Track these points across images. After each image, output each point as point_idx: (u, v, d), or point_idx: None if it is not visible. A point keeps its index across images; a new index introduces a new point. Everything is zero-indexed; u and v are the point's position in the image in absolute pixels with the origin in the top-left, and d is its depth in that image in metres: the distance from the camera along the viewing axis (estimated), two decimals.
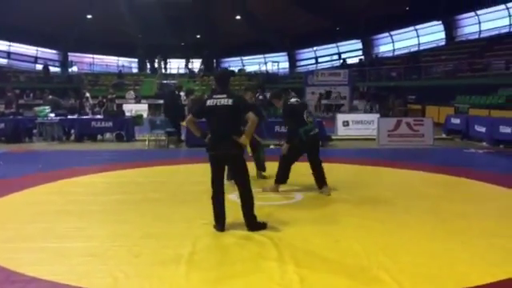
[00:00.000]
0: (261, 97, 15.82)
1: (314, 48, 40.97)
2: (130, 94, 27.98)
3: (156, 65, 37.18)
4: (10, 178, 8.01)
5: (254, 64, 40.46)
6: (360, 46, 38.68)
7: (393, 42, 36.67)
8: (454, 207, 6.09)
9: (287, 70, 41.33)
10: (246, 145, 5.07)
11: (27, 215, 5.63)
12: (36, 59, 37.70)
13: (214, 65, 40.90)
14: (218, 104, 4.90)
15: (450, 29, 32.37)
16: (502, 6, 28.62)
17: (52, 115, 14.12)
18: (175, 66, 37.86)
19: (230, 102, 4.88)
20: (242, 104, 5.02)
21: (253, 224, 4.93)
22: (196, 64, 40.06)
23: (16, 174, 8.29)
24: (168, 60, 35.80)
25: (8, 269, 3.89)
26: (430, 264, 4.07)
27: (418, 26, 34.16)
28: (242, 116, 4.97)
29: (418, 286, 3.61)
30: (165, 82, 31.49)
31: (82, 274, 3.80)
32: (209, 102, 4.98)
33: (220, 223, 4.97)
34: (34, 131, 14.10)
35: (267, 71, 37.28)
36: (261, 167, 7.81)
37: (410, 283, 3.63)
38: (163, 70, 35.36)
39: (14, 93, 20.24)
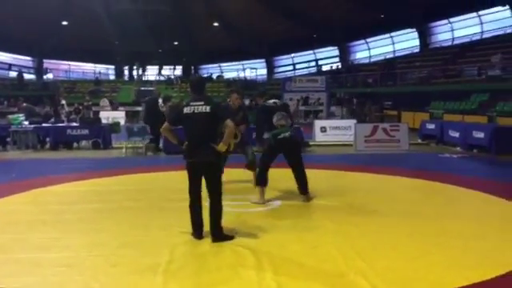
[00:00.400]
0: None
1: (292, 55, 41.32)
2: (104, 102, 27.63)
3: (134, 72, 36.91)
4: None
5: (232, 71, 40.55)
6: (337, 52, 39.16)
7: (369, 49, 37.26)
8: (430, 211, 6.20)
9: (265, 76, 41.54)
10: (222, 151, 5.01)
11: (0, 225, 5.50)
12: (10, 66, 36.98)
13: (193, 71, 40.81)
14: (196, 111, 4.85)
15: (424, 36, 33.05)
16: (474, 14, 29.41)
17: (26, 123, 13.86)
18: (153, 72, 37.67)
19: (208, 109, 4.84)
20: (219, 111, 4.99)
21: (217, 234, 4.86)
22: (174, 71, 39.93)
23: None
24: (146, 67, 35.52)
25: None
26: (406, 268, 4.13)
27: (393, 34, 34.83)
28: (219, 123, 4.94)
29: None
30: (142, 88, 31.25)
31: (56, 285, 3.73)
32: (186, 110, 4.92)
33: (197, 231, 4.93)
34: (8, 139, 13.78)
35: (245, 78, 37.39)
36: (250, 167, 7.55)
37: (387, 287, 3.67)
38: (141, 77, 35.10)
39: None
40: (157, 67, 36.93)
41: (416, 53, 32.71)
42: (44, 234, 5.16)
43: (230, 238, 4.89)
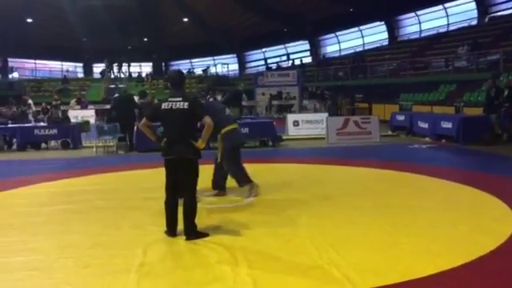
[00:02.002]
0: (211, 99, 15.75)
1: (263, 49, 41.34)
2: (73, 103, 26.89)
3: (102, 69, 36.25)
4: None
5: (203, 66, 40.30)
6: (308, 46, 39.37)
7: (339, 43, 37.61)
8: (400, 201, 6.31)
9: (237, 71, 41.44)
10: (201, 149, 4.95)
11: None
12: None
13: (163, 68, 40.39)
14: (174, 107, 4.79)
15: (393, 29, 33.56)
16: (440, 7, 30.04)
17: None
18: (123, 70, 37.06)
19: (186, 105, 4.79)
20: (197, 108, 4.92)
21: (191, 232, 4.80)
22: (145, 68, 39.41)
23: None
24: (114, 64, 34.87)
25: None
26: (378, 258, 4.19)
27: (362, 27, 35.24)
28: (197, 120, 4.93)
29: (367, 280, 3.69)
30: (112, 86, 30.72)
31: None
32: (164, 105, 4.86)
33: (172, 229, 4.89)
34: None
35: (217, 73, 37.21)
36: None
37: (359, 278, 3.72)
38: (110, 75, 34.47)
39: None
40: (126, 64, 36.28)
41: (385, 46, 33.19)
42: (11, 237, 5.01)
43: (204, 235, 4.83)
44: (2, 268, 4.10)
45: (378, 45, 34.04)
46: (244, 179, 6.65)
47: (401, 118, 15.86)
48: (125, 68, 35.19)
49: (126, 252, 4.44)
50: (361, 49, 34.81)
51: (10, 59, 37.37)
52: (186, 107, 4.78)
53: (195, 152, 4.84)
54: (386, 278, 3.71)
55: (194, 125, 5.00)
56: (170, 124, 4.84)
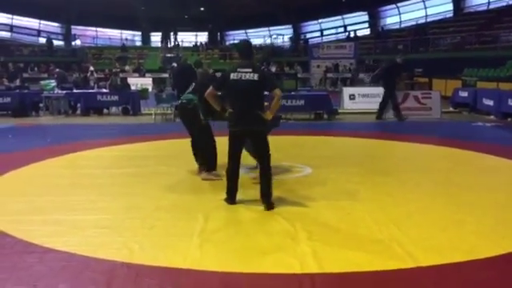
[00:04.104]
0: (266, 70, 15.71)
1: (320, 20, 40.40)
2: (127, 69, 27.59)
3: (160, 38, 36.84)
4: (20, 151, 8.05)
5: (258, 37, 40.03)
6: (366, 18, 38.10)
7: (399, 14, 36.08)
8: (464, 180, 6.11)
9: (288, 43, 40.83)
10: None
11: (39, 188, 5.68)
12: (39, 32, 37.38)
13: (219, 38, 40.51)
14: (243, 78, 4.71)
15: (459, 0, 31.76)
16: None
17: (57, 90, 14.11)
18: (179, 39, 37.55)
19: (256, 76, 4.70)
20: (268, 79, 4.88)
21: (270, 201, 4.81)
22: (200, 38, 39.68)
23: (25, 148, 8.33)
24: (172, 33, 35.32)
25: (25, 240, 3.95)
26: (440, 236, 4.10)
27: None
28: (265, 91, 4.87)
29: (429, 257, 3.63)
30: (168, 55, 31.23)
31: (97, 245, 3.85)
32: (232, 76, 4.77)
33: (232, 196, 4.96)
34: (41, 105, 14.09)
35: (272, 44, 36.88)
36: None
37: (422, 255, 3.66)
38: (168, 44, 34.99)
39: (16, 66, 20.25)
40: (183, 33, 36.65)
41: (449, 18, 31.52)
42: (81, 196, 5.30)
43: (272, 206, 4.85)
44: (75, 225, 4.35)
45: (442, 17, 32.38)
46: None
47: (464, 94, 15.17)
48: (181, 37, 35.61)
49: (187, 216, 4.60)
50: (423, 21, 33.27)
51: (72, 27, 38.70)
52: (256, 78, 4.70)
53: (264, 123, 4.81)
54: (450, 257, 3.63)
55: (263, 96, 4.92)
56: (239, 95, 4.75)
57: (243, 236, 4.12)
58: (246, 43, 5.19)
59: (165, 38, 34.82)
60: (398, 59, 13.02)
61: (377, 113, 12.71)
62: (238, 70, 4.77)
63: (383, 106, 12.68)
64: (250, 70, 4.74)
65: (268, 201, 4.80)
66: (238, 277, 3.34)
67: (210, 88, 5.00)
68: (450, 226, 4.35)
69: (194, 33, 39.75)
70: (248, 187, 5.36)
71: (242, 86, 4.71)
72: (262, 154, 4.89)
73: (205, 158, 6.16)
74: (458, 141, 9.01)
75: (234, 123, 4.80)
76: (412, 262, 3.54)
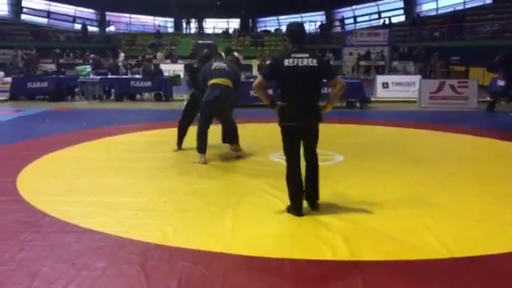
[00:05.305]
0: None
1: (353, 7, 39.66)
2: (159, 55, 27.78)
3: (192, 24, 37.00)
4: (57, 134, 8.29)
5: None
6: (401, 4, 37.16)
7: (436, 0, 35.03)
8: (501, 171, 5.95)
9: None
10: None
11: (75, 170, 5.84)
12: (74, 19, 38.07)
13: (250, 24, 40.32)
14: (300, 65, 4.10)
15: None
16: None
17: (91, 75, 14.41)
18: (211, 25, 37.61)
19: (315, 62, 4.12)
20: (327, 67, 4.35)
21: (316, 203, 4.37)
22: (232, 24, 39.60)
23: (61, 131, 8.56)
24: (204, 20, 35.38)
25: (62, 220, 4.08)
26: (476, 227, 4.02)
27: None
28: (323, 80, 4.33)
29: (464, 247, 3.57)
30: (200, 41, 31.33)
31: (131, 226, 3.94)
32: (287, 62, 4.12)
33: (300, 206, 4.25)
34: (76, 90, 14.42)
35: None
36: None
37: (456, 245, 3.60)
38: (199, 30, 35.10)
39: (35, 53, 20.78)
40: (215, 20, 36.62)
41: (488, 4, 30.40)
42: (116, 179, 5.43)
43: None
44: (111, 206, 4.46)
45: (481, 3, 31.27)
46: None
47: (502, 83, 14.65)
48: (212, 24, 35.63)
49: (219, 200, 4.65)
50: (461, 7, 32.21)
51: (107, 13, 39.23)
52: (315, 64, 4.13)
53: (320, 116, 4.29)
54: (486, 248, 3.56)
55: (321, 86, 4.37)
56: (295, 84, 4.14)
57: (275, 221, 4.14)
58: (299, 26, 4.53)
59: (191, 24, 34.80)
60: None
61: (489, 103, 12.35)
62: (293, 55, 4.15)
63: (502, 95, 12.44)
64: (307, 55, 4.15)
65: (315, 201, 4.36)
66: (268, 261, 3.36)
67: (259, 78, 4.35)
68: (485, 217, 4.25)
69: (226, 19, 39.68)
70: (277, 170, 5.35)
71: (299, 73, 4.11)
72: (313, 150, 4.36)
73: (234, 135, 6.57)
74: (495, 131, 8.76)
75: (291, 117, 4.17)
76: (447, 252, 3.48)
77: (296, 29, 4.42)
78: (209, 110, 6.28)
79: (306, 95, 4.18)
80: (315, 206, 4.35)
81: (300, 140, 4.28)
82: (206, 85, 6.25)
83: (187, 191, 4.98)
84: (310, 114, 4.20)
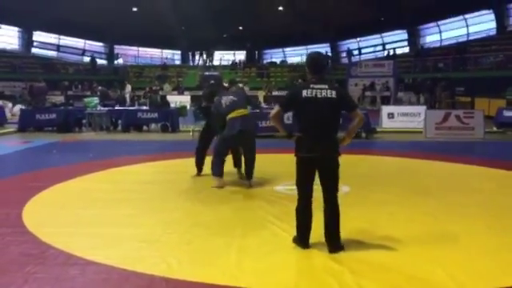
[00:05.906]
0: None
1: (358, 39, 40.22)
2: (166, 87, 28.12)
3: (198, 57, 37.61)
4: (64, 165, 8.32)
5: (296, 55, 40.21)
6: (406, 36, 37.65)
7: (440, 32, 35.47)
8: (508, 202, 5.87)
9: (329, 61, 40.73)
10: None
11: (81, 201, 5.83)
12: (84, 52, 38.82)
13: (256, 56, 40.92)
14: (319, 96, 4.02)
15: (502, 17, 30.95)
16: None
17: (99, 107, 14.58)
18: (217, 57, 38.19)
19: (334, 94, 4.03)
20: (347, 99, 4.21)
21: (337, 244, 4.10)
22: (238, 56, 40.23)
23: (68, 163, 8.60)
24: (211, 52, 36.02)
25: (67, 252, 4.05)
26: (485, 259, 3.95)
27: (467, 15, 32.88)
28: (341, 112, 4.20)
29: (474, 281, 3.51)
30: (207, 73, 31.75)
31: (136, 259, 3.90)
32: (305, 93, 4.05)
33: (306, 238, 4.16)
34: (84, 121, 14.57)
35: None
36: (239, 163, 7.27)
37: (466, 278, 3.53)
38: (206, 63, 35.65)
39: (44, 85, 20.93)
40: (221, 52, 37.26)
41: (492, 36, 30.75)
42: (121, 210, 5.41)
43: (342, 247, 4.13)
44: (115, 237, 4.44)
45: (485, 35, 31.61)
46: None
47: (509, 113, 14.68)
48: (219, 56, 36.22)
49: (225, 232, 4.61)
50: (464, 39, 32.58)
51: (115, 46, 40.03)
52: (334, 96, 4.03)
53: (338, 150, 4.15)
54: (497, 282, 3.49)
55: (339, 118, 4.21)
56: (313, 115, 4.04)
57: (281, 253, 4.08)
58: (319, 55, 4.45)
59: (201, 56, 35.47)
60: None
61: None
62: (312, 86, 4.08)
63: None
64: (326, 86, 4.08)
65: (336, 244, 4.10)
66: None
67: (276, 108, 4.26)
68: (494, 249, 4.18)
69: (232, 51, 40.34)
70: (282, 202, 5.33)
71: (318, 105, 4.03)
72: (332, 186, 4.16)
73: (252, 166, 6.64)
74: (503, 161, 8.70)
75: (308, 149, 4.06)
76: (456, 286, 3.41)
77: (317, 58, 4.33)
78: (233, 141, 6.61)
79: (323, 127, 4.08)
80: (335, 249, 4.08)
81: (314, 172, 4.14)
82: (224, 120, 6.49)
83: (192, 222, 4.96)
84: (327, 146, 4.08)
